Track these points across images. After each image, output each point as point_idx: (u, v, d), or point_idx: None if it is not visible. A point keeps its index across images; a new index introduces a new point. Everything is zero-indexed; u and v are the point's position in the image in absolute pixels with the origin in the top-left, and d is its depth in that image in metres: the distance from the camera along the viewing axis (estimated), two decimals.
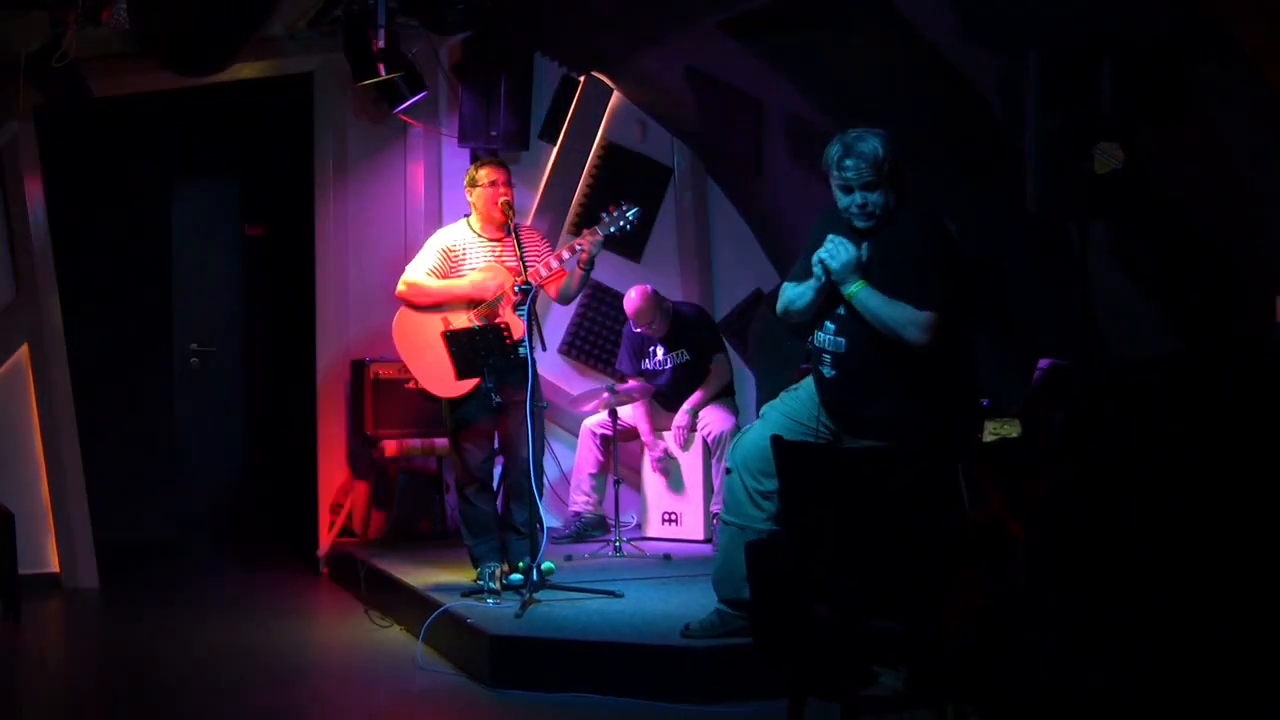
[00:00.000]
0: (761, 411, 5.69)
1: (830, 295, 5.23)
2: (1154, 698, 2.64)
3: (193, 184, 10.49)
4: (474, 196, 7.04)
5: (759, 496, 5.42)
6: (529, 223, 8.73)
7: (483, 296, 6.84)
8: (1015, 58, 6.02)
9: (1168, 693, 2.64)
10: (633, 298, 8.27)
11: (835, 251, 5.14)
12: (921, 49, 6.65)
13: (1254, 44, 5.31)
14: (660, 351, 8.41)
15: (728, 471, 5.58)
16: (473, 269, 6.92)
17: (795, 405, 5.48)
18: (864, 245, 5.18)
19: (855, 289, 5.11)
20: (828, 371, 5.29)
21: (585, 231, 6.84)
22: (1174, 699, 2.64)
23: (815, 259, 5.20)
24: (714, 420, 8.19)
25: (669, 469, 8.39)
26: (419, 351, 6.89)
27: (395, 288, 7.07)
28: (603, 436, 8.35)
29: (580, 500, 8.47)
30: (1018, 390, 5.95)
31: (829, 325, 5.27)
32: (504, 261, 6.90)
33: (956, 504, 4.09)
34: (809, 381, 5.51)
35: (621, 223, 6.79)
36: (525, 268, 6.70)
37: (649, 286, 8.33)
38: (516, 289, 6.70)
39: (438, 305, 6.92)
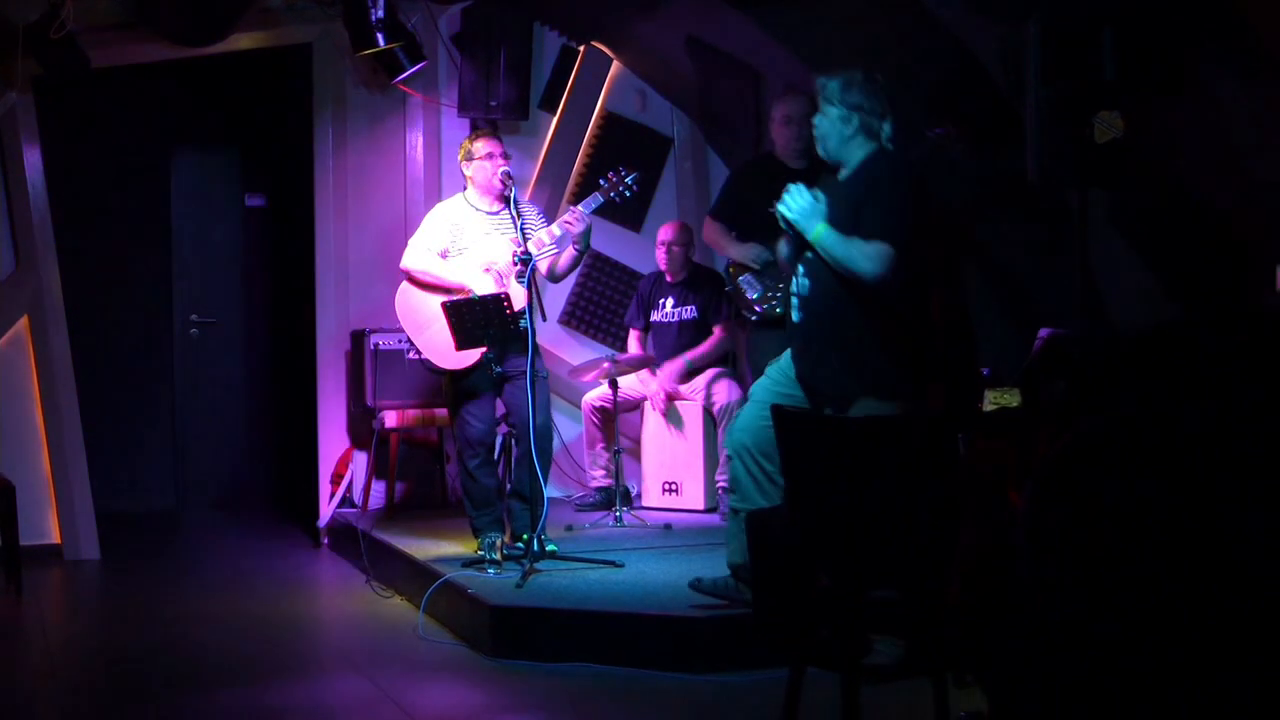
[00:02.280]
0: (750, 392, 5.70)
1: (799, 241, 5.32)
2: (1150, 675, 2.65)
3: (192, 155, 10.46)
4: (471, 169, 6.96)
5: (764, 479, 5.38)
6: (528, 195, 8.73)
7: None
8: (1016, 26, 6.01)
9: (1165, 671, 2.64)
10: (668, 223, 8.61)
11: (790, 201, 5.25)
12: (922, 17, 6.63)
13: (1254, 12, 5.30)
14: (670, 303, 8.43)
15: (729, 459, 5.57)
16: (472, 243, 6.88)
17: (780, 378, 5.46)
18: (818, 190, 5.30)
19: (818, 232, 5.17)
20: (796, 316, 5.34)
21: (571, 208, 6.79)
22: (1170, 678, 2.64)
23: (779, 205, 5.32)
24: (720, 391, 8.19)
25: (669, 409, 8.39)
26: (423, 325, 6.86)
27: (395, 257, 7.04)
28: (601, 409, 8.35)
29: (599, 475, 8.47)
30: (1017, 360, 5.95)
31: (800, 269, 5.33)
32: (502, 234, 6.86)
33: (955, 473, 4.09)
34: (787, 353, 5.51)
35: (621, 188, 6.77)
36: (525, 238, 6.67)
37: (684, 221, 8.74)
38: (516, 259, 6.65)
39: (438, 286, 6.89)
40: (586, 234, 6.72)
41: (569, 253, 6.78)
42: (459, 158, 7.07)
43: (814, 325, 5.28)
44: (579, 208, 6.72)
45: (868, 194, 5.20)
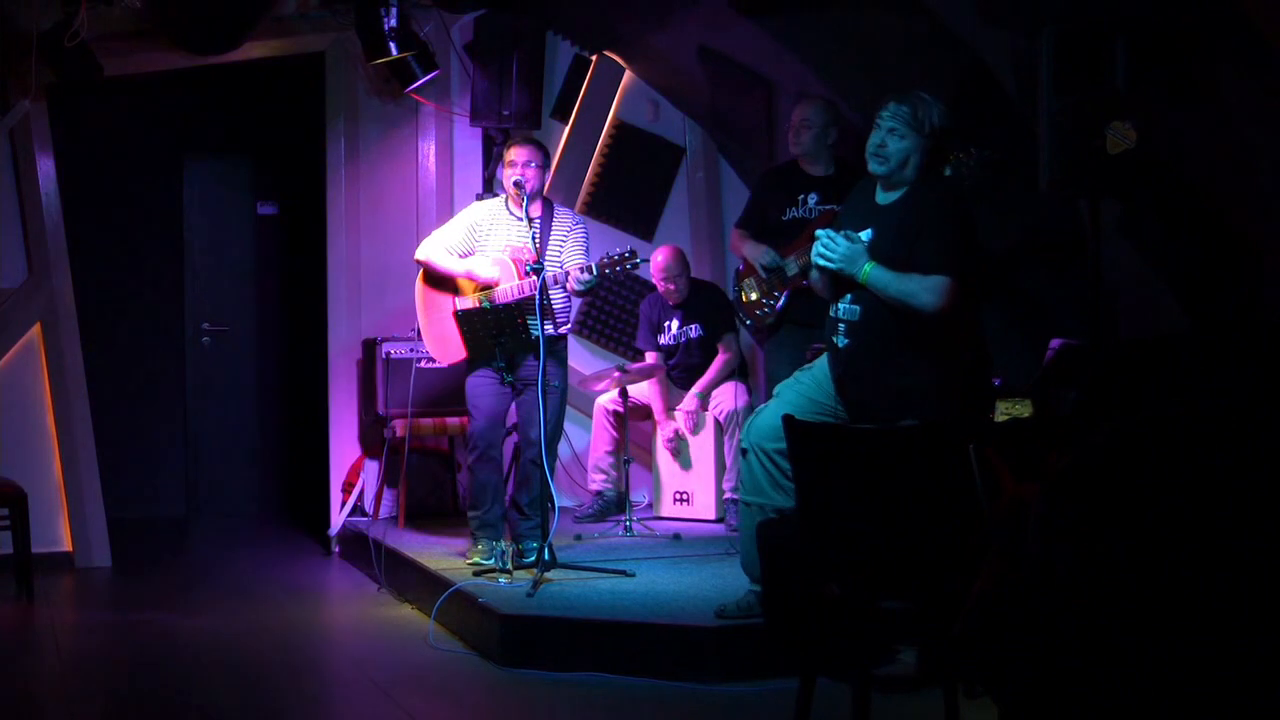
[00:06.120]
0: (776, 390, 5.64)
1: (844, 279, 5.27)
2: (1157, 679, 2.64)
3: (204, 162, 10.49)
4: (502, 175, 7.13)
5: (780, 476, 5.35)
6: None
7: (488, 284, 6.82)
8: (1029, 36, 6.00)
9: (1171, 674, 2.64)
10: (660, 252, 8.42)
11: (830, 248, 5.19)
12: (935, 27, 6.63)
13: (1266, 22, 5.29)
14: (675, 325, 8.43)
15: (743, 453, 5.53)
16: (499, 242, 6.93)
17: (811, 385, 5.44)
18: (866, 231, 5.23)
19: (867, 273, 5.13)
20: (842, 341, 5.27)
21: (575, 269, 6.73)
22: (1176, 681, 2.63)
23: (814, 256, 5.28)
24: (726, 398, 8.19)
25: (679, 449, 8.40)
26: (430, 317, 7.06)
27: (407, 266, 7.13)
28: (615, 414, 8.36)
29: (599, 479, 8.48)
30: (1029, 370, 5.94)
31: (849, 296, 5.28)
32: (526, 241, 6.87)
33: (968, 483, 4.08)
34: (823, 360, 5.49)
35: (619, 268, 6.72)
36: (536, 248, 6.68)
37: (676, 246, 8.52)
38: (528, 269, 6.68)
39: (449, 280, 6.95)
40: (584, 290, 6.77)
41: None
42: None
43: (866, 350, 5.23)
44: (579, 273, 6.71)
45: (922, 225, 5.15)
